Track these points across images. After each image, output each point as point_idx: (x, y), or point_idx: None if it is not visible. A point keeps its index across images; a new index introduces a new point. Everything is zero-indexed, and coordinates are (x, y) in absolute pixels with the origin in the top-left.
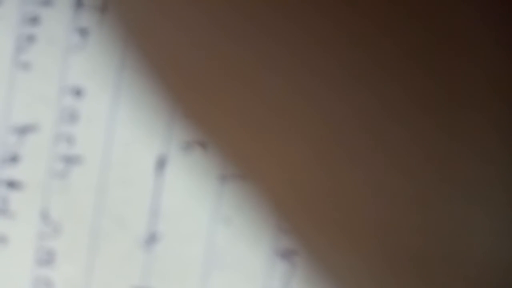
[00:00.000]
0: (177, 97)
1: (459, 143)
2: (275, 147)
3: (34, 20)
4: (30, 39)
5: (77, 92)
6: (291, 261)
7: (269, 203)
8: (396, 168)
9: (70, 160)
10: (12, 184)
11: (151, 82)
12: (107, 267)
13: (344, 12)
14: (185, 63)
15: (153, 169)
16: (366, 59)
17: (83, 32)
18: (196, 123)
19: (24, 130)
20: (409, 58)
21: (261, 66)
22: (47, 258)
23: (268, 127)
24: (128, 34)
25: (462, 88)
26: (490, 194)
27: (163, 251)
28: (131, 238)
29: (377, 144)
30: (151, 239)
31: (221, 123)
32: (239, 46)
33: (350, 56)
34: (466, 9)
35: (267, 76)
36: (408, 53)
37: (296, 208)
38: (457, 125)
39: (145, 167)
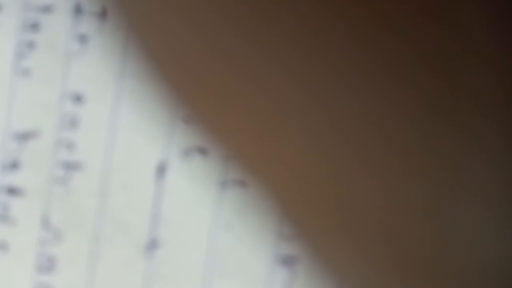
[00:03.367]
0: (178, 102)
1: (469, 146)
2: (277, 152)
3: (34, 27)
4: (30, 45)
5: (78, 98)
6: (293, 267)
7: (270, 208)
8: (405, 172)
9: (71, 166)
10: (12, 191)
11: (151, 88)
12: (108, 274)
13: (354, 12)
14: (185, 68)
15: (153, 175)
16: (376, 60)
17: (83, 38)
18: (197, 129)
19: (24, 137)
20: (419, 60)
21: (264, 68)
22: (48, 265)
23: (270, 132)
24: (128, 40)
25: (472, 91)
26: (501, 198)
27: (164, 257)
28: (132, 244)
29: (386, 148)
30: (152, 245)
31: (222, 128)
32: (240, 49)
33: (360, 57)
34: (477, 11)
35: (270, 78)
36: (419, 55)
37: (299, 213)
38: (467, 128)
39: (145, 173)
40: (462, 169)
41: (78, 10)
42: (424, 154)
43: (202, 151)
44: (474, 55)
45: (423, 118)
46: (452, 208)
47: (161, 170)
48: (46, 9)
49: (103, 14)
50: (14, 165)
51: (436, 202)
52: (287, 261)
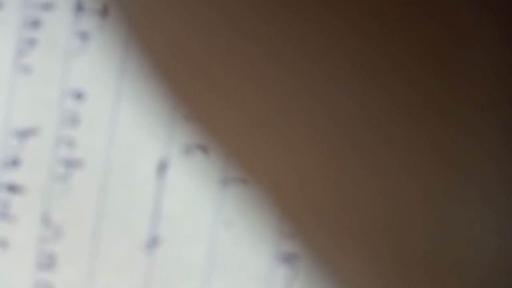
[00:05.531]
0: (179, 100)
1: (469, 143)
2: (278, 149)
3: (35, 24)
4: (31, 42)
5: (78, 96)
6: (293, 265)
7: (271, 206)
8: (404, 169)
9: (71, 164)
10: (13, 188)
11: (152, 85)
12: (108, 271)
13: (354, 10)
14: (186, 66)
15: (154, 173)
16: (376, 58)
17: (83, 35)
18: (198, 126)
19: (25, 134)
20: (419, 58)
21: (264, 66)
22: (48, 262)
23: (271, 129)
24: (129, 37)
25: (472, 88)
26: (501, 196)
27: (164, 254)
28: (132, 242)
29: (386, 145)
30: (153, 242)
31: (222, 126)
32: (241, 47)
33: (360, 55)
34: (476, 9)
35: (271, 76)
36: (418, 53)
37: (300, 211)
38: (467, 126)
39: (146, 171)
40: (462, 166)
41: (79, 7)
42: (424, 152)
43: (203, 148)
44: (474, 52)
45: (423, 116)
46: (452, 205)
47: (161, 167)
48: (47, 6)
49: (104, 12)
50: (14, 162)
51: (436, 199)
52: (288, 259)
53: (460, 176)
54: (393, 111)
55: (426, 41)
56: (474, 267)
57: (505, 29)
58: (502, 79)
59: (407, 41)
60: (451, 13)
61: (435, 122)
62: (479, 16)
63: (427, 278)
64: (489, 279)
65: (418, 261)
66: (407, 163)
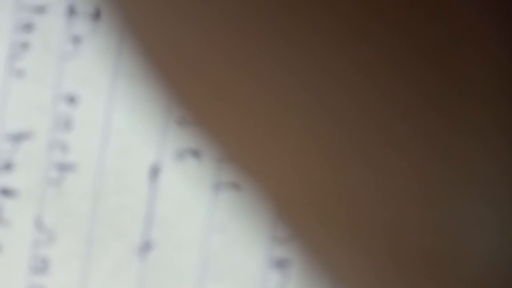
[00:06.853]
0: (171, 104)
1: (469, 142)
2: (271, 154)
3: (27, 27)
4: (24, 46)
5: (71, 100)
6: (286, 270)
7: (263, 211)
8: (404, 167)
9: (65, 168)
10: (6, 192)
11: (145, 89)
12: (101, 275)
13: (353, 8)
14: (179, 70)
15: (147, 177)
16: (374, 56)
17: (76, 39)
18: (190, 131)
19: (18, 138)
20: (418, 56)
21: (258, 71)
22: (41, 266)
23: (264, 134)
24: (122, 41)
25: (471, 86)
26: (500, 194)
27: (157, 259)
28: (125, 246)
29: (385, 143)
30: (146, 247)
31: (215, 131)
32: (234, 52)
33: (359, 53)
34: (476, 9)
35: (266, 82)
36: (418, 51)
37: (292, 216)
38: (466, 123)
39: (139, 175)
40: (462, 165)
41: (72, 11)
42: (424, 151)
43: (196, 153)
44: (473, 49)
45: (422, 113)
46: (452, 204)
47: (154, 172)
48: (40, 9)
49: (97, 15)
50: (7, 166)
51: (435, 198)
52: (281, 264)
53: (460, 175)
54: (393, 111)
55: (426, 41)
56: (474, 265)
57: (505, 29)
58: (502, 75)
59: (407, 40)
60: (451, 12)
61: (435, 121)
62: (479, 16)
63: (426, 277)
64: (489, 278)
65: (417, 260)
66: (406, 163)
